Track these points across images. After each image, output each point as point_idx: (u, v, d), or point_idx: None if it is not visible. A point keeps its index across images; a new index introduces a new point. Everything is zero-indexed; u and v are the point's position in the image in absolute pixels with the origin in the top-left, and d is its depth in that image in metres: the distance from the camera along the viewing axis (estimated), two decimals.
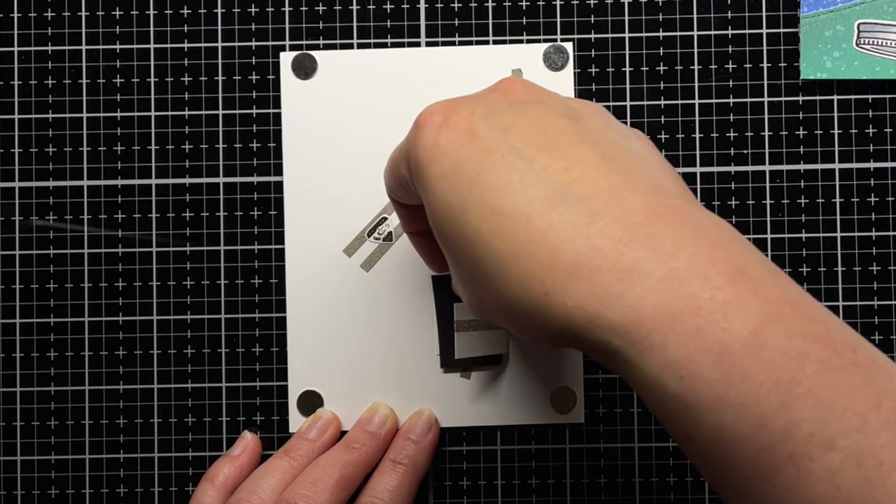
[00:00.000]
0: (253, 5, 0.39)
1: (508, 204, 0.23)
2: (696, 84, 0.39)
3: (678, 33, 0.39)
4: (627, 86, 0.39)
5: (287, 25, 0.39)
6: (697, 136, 0.39)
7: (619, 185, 0.23)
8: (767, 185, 0.38)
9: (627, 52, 0.39)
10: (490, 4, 0.39)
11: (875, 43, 0.38)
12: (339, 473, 0.35)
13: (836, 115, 0.38)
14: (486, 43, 0.39)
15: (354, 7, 0.39)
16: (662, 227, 0.22)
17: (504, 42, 0.39)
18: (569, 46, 0.39)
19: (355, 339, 0.38)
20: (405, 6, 0.39)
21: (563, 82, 0.38)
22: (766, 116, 0.39)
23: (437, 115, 0.26)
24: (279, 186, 0.39)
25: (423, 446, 0.37)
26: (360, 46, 0.39)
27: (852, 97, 0.38)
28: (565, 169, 0.23)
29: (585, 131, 0.25)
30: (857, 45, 0.38)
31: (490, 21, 0.39)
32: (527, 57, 0.38)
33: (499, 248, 0.23)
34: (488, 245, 0.24)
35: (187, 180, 0.39)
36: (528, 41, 0.39)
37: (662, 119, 0.39)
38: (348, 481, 0.35)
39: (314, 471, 0.35)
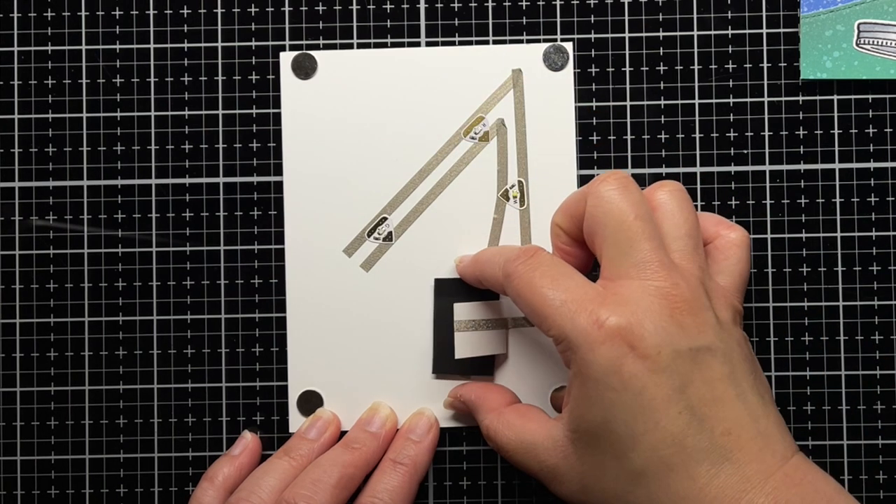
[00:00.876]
0: (253, 5, 0.39)
1: (679, 461, 0.28)
2: (696, 84, 0.39)
3: (678, 33, 0.39)
4: (627, 86, 0.39)
5: (287, 25, 0.39)
6: (697, 136, 0.39)
7: (763, 447, 0.29)
8: (767, 185, 0.38)
9: (627, 52, 0.39)
10: (490, 4, 0.39)
11: (875, 43, 0.38)
12: (340, 473, 0.35)
13: (836, 115, 0.38)
14: (486, 43, 0.39)
15: (354, 7, 0.39)
16: (795, 495, 0.28)
17: (504, 42, 0.39)
18: (569, 46, 0.39)
19: (355, 339, 0.38)
20: (405, 6, 0.39)
21: (563, 82, 0.38)
22: (766, 116, 0.39)
23: (622, 337, 0.29)
24: (279, 186, 0.39)
25: (424, 446, 0.37)
26: (360, 46, 0.39)
27: (852, 97, 0.38)
28: (727, 432, 0.28)
29: (735, 377, 0.30)
30: (857, 45, 0.38)
31: (490, 21, 0.39)
32: (527, 57, 0.38)
33: (658, 495, 0.29)
34: (649, 488, 0.29)
35: (187, 180, 0.39)
36: (528, 41, 0.39)
37: (662, 119, 0.39)
38: (348, 481, 0.35)
39: (314, 471, 0.35)
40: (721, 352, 0.30)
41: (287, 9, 0.39)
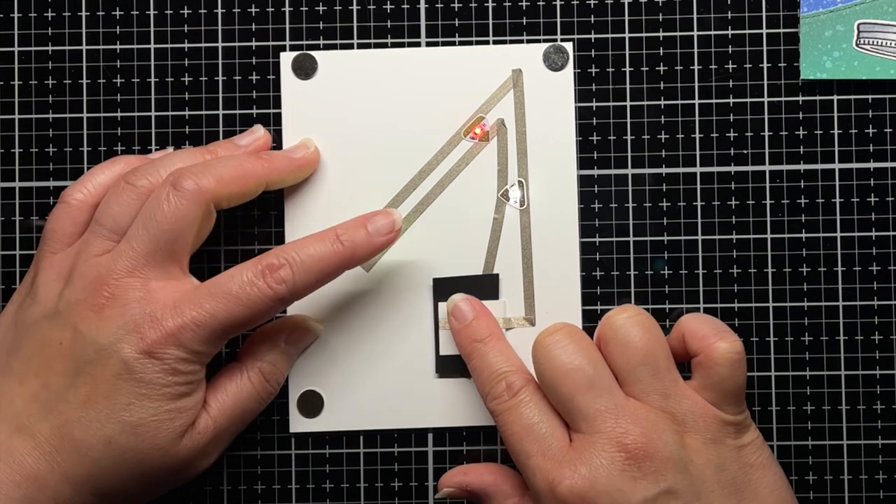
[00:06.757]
0: (253, 5, 0.39)
1: None
2: (696, 84, 0.39)
3: (678, 33, 0.39)
4: (627, 86, 0.39)
5: (287, 25, 0.39)
6: (697, 136, 0.39)
7: None
8: (767, 185, 0.38)
9: (627, 52, 0.39)
10: (490, 4, 0.39)
11: (875, 43, 0.38)
12: (240, 171, 0.34)
13: (836, 115, 0.38)
14: (486, 43, 0.39)
15: (354, 7, 0.39)
16: None
17: (504, 42, 0.39)
18: (569, 46, 0.39)
19: (356, 339, 0.38)
20: (405, 6, 0.39)
21: (563, 82, 0.38)
22: (766, 116, 0.39)
23: (574, 500, 0.30)
24: None
25: (375, 244, 0.34)
26: (360, 46, 0.39)
27: (852, 97, 0.38)
28: None
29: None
30: (857, 45, 0.38)
31: (490, 21, 0.39)
32: (527, 57, 0.38)
33: None
34: None
35: None
36: (528, 41, 0.39)
37: (662, 119, 0.39)
38: (245, 181, 0.34)
39: (217, 161, 0.34)
40: (685, 489, 0.30)
41: (287, 9, 0.39)
